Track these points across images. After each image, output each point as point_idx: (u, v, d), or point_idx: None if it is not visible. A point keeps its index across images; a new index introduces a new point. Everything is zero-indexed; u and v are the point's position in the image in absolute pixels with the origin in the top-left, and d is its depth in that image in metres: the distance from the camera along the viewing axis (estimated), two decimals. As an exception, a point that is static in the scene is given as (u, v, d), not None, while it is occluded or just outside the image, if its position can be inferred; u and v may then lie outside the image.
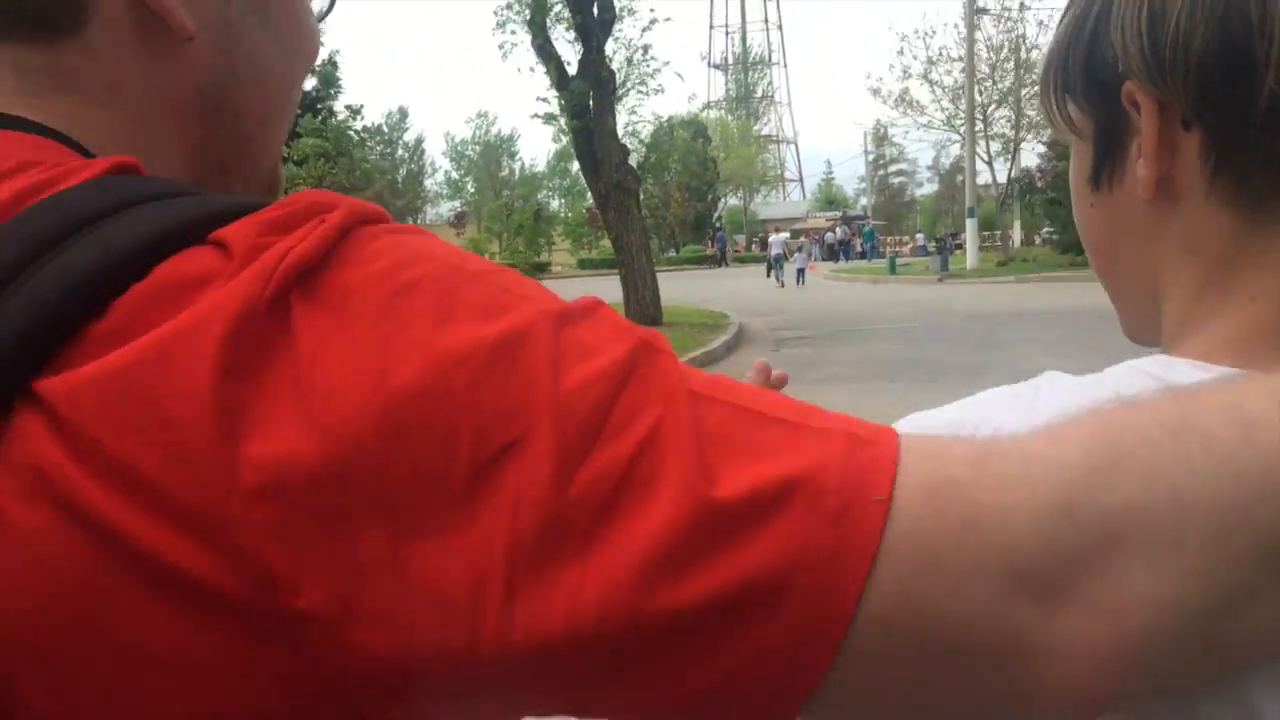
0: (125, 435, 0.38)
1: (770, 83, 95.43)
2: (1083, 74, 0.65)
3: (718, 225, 60.16)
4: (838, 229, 55.60)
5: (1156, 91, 0.59)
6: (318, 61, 0.65)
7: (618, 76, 15.80)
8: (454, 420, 0.39)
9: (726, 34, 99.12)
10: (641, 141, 16.91)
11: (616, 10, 15.80)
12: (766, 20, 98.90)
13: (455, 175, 75.55)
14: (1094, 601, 0.42)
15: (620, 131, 15.91)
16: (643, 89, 16.35)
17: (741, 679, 0.41)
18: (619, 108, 15.73)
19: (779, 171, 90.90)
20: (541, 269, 41.90)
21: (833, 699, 0.43)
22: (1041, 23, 47.28)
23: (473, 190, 73.80)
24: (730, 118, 78.51)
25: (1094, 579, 0.42)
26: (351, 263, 0.42)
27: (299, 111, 0.62)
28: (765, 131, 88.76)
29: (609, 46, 15.71)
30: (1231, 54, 0.57)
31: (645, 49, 16.18)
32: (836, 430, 0.43)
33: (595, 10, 15.44)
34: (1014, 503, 0.42)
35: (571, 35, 15.66)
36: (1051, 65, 0.68)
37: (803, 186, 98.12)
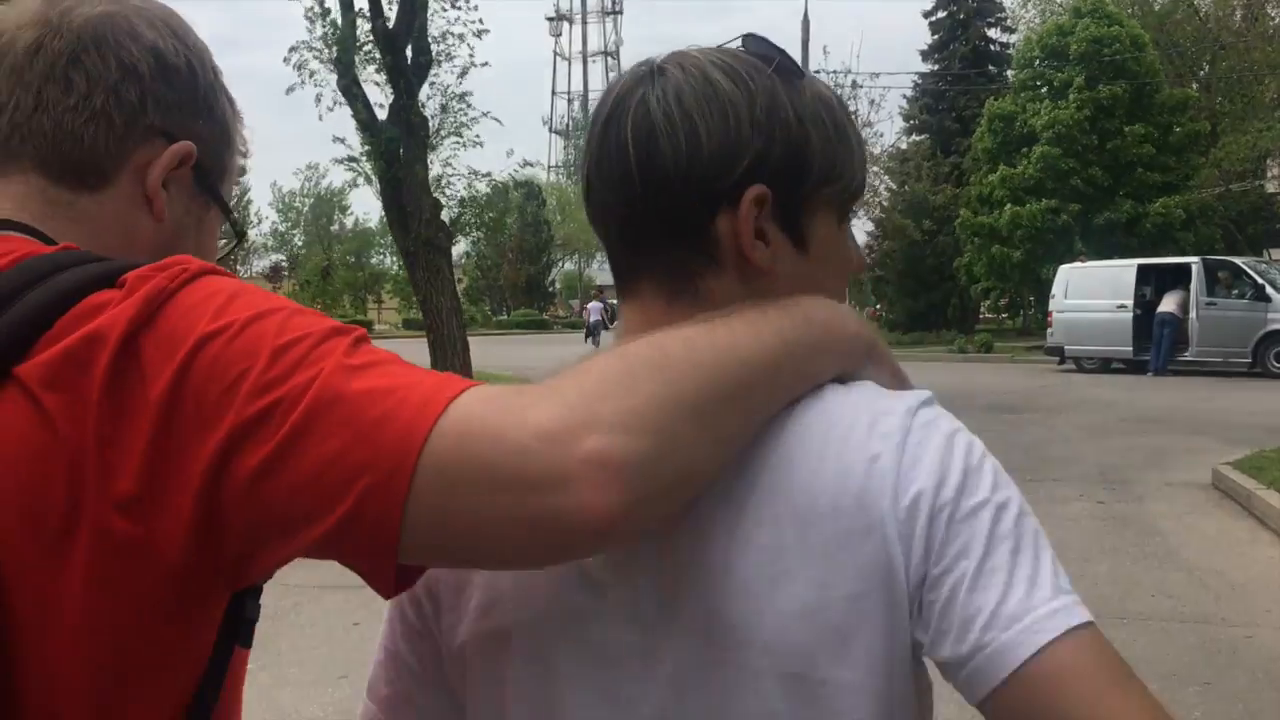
0: (59, 391, 0.69)
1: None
2: None
3: (598, 288, 59.36)
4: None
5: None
6: None
7: (431, 124, 14.53)
8: (220, 363, 0.69)
9: (569, 100, 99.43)
10: (469, 194, 15.45)
11: (434, 54, 14.60)
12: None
13: (281, 228, 72.37)
14: (585, 442, 0.66)
15: (433, 185, 14.63)
16: (458, 139, 15.01)
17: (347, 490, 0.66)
18: (432, 158, 14.46)
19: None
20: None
21: (420, 530, 0.66)
22: (874, 101, 48.22)
23: (300, 244, 70.77)
24: (568, 182, 78.21)
25: (585, 431, 0.66)
26: (189, 290, 0.73)
27: None
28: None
29: (423, 92, 14.47)
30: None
31: (462, 96, 14.93)
32: (443, 375, 0.71)
33: (410, 53, 14.20)
34: (535, 399, 0.69)
35: (383, 77, 14.36)
36: None
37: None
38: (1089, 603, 0.72)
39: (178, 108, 0.90)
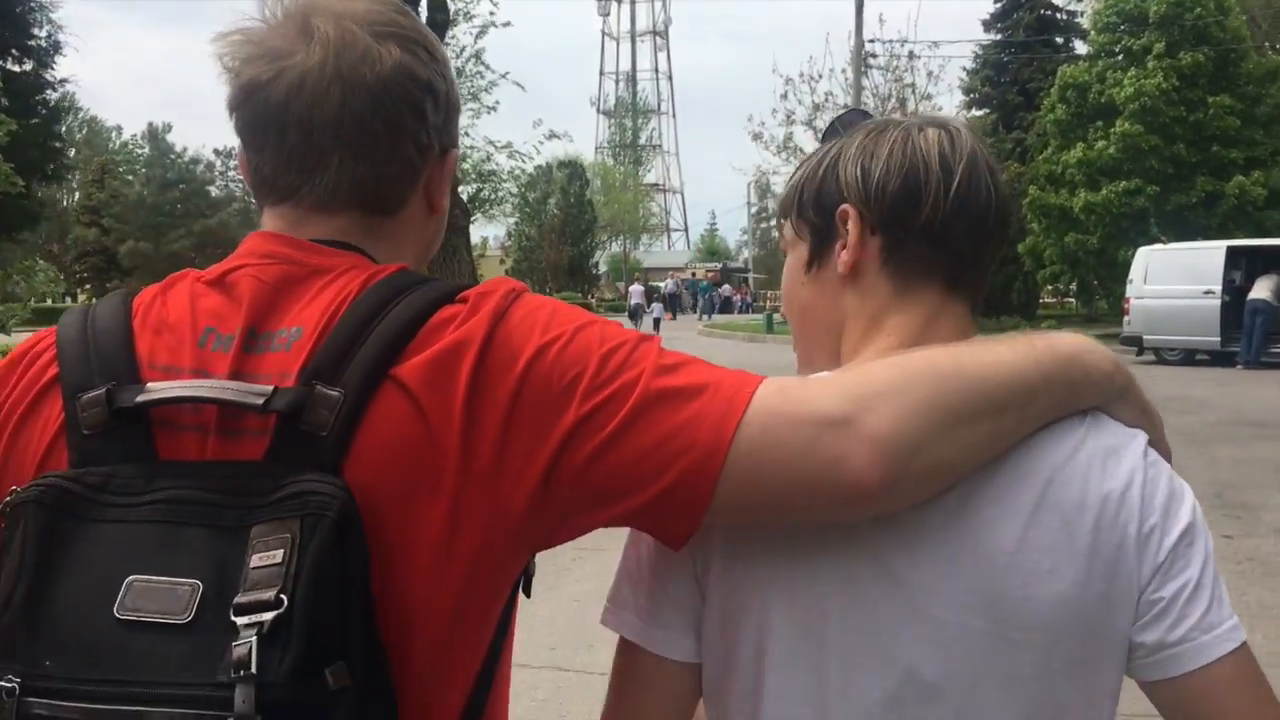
0: (433, 390, 0.87)
1: (656, 130, 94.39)
2: (814, 199, 1.10)
3: (642, 271, 57.55)
4: (666, 282, 53.30)
5: (863, 210, 1.06)
6: None
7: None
8: (557, 368, 0.88)
9: (616, 81, 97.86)
10: (487, 169, 14.11)
11: (451, 11, 13.24)
12: (656, 70, 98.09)
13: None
14: (862, 429, 0.86)
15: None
16: (474, 104, 13.64)
17: (674, 455, 0.87)
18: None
19: (663, 220, 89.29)
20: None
21: (728, 498, 0.87)
22: (931, 73, 45.81)
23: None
24: (614, 162, 76.59)
25: (861, 420, 0.86)
26: (517, 305, 0.93)
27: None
28: (650, 179, 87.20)
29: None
30: (907, 193, 1.04)
31: (478, 55, 13.57)
32: (735, 371, 0.92)
33: (425, 8, 12.86)
34: (822, 391, 0.89)
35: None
36: (793, 194, 1.13)
37: (687, 236, 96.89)
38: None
39: (446, 124, 1.08)
